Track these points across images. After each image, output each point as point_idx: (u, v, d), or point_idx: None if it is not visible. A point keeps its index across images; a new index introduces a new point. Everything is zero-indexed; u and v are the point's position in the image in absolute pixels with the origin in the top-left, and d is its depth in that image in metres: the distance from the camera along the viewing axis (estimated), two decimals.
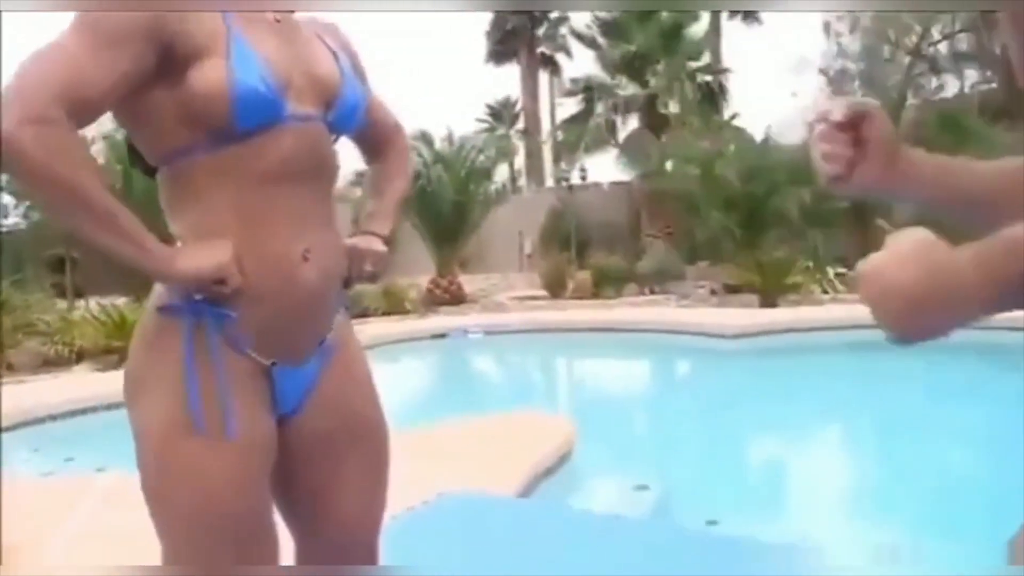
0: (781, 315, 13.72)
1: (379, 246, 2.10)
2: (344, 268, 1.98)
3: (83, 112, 1.57)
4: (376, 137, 2.24)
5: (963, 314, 0.97)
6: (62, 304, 15.13)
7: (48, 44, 1.58)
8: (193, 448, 1.70)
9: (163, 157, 1.77)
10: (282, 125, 1.75)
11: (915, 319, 0.99)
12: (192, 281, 1.70)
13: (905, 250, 1.00)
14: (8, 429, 7.68)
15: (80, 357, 11.49)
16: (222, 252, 1.69)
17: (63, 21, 1.63)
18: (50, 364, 11.60)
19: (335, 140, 1.94)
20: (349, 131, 2.00)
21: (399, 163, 2.29)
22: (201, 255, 1.69)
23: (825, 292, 16.79)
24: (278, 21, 1.86)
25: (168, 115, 1.70)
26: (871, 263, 1.03)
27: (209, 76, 1.66)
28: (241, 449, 1.73)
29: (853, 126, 1.34)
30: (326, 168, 1.89)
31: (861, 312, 1.07)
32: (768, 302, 15.99)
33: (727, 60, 30.59)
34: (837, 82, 25.58)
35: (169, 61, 1.65)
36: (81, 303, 13.65)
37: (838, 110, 1.33)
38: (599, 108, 27.83)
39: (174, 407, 1.71)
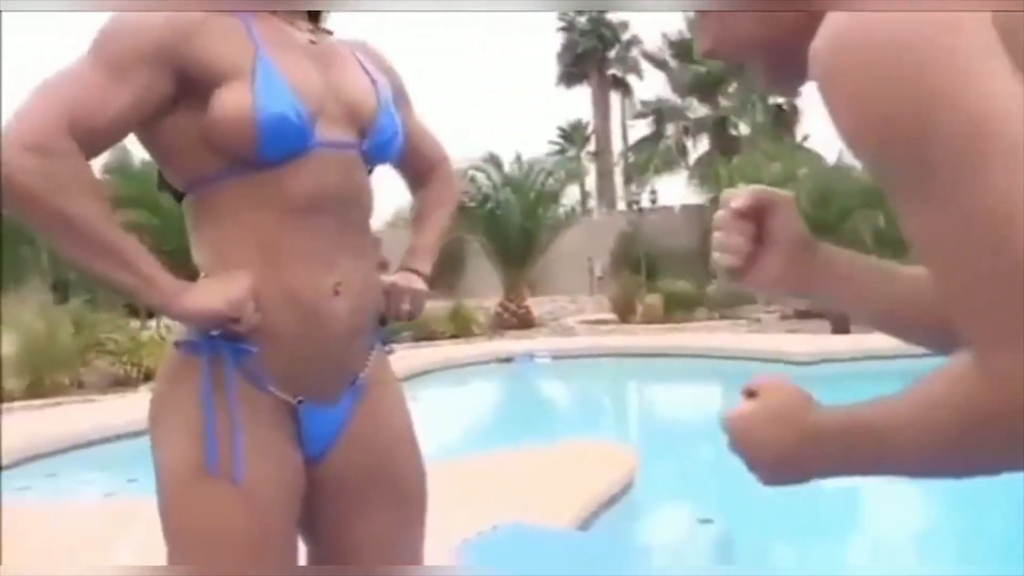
0: (853, 341, 13.34)
1: (419, 284, 2.01)
2: (380, 303, 1.89)
3: (94, 140, 1.53)
4: (418, 166, 2.15)
5: (830, 473, 0.99)
6: (136, 323, 15.34)
7: (59, 71, 1.54)
8: (208, 489, 1.62)
9: (187, 183, 1.71)
10: (311, 153, 1.66)
11: (784, 474, 1.01)
12: (199, 320, 1.62)
13: (774, 408, 1.00)
14: (73, 449, 7.76)
15: (147, 377, 11.60)
16: (236, 289, 1.61)
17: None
18: (119, 384, 11.76)
19: (370, 170, 1.85)
20: (385, 160, 1.91)
21: (442, 194, 2.19)
22: (211, 292, 1.62)
23: None
24: (313, 43, 1.78)
25: (191, 141, 1.63)
26: (739, 417, 1.03)
27: (232, 101, 1.59)
28: (258, 491, 1.64)
29: (757, 216, 1.17)
30: (360, 198, 1.80)
31: None
32: (840, 327, 15.61)
33: None
34: None
35: (190, 85, 1.59)
36: (152, 323, 13.78)
37: (741, 197, 1.17)
38: (669, 130, 27.74)
39: (190, 446, 1.64)
